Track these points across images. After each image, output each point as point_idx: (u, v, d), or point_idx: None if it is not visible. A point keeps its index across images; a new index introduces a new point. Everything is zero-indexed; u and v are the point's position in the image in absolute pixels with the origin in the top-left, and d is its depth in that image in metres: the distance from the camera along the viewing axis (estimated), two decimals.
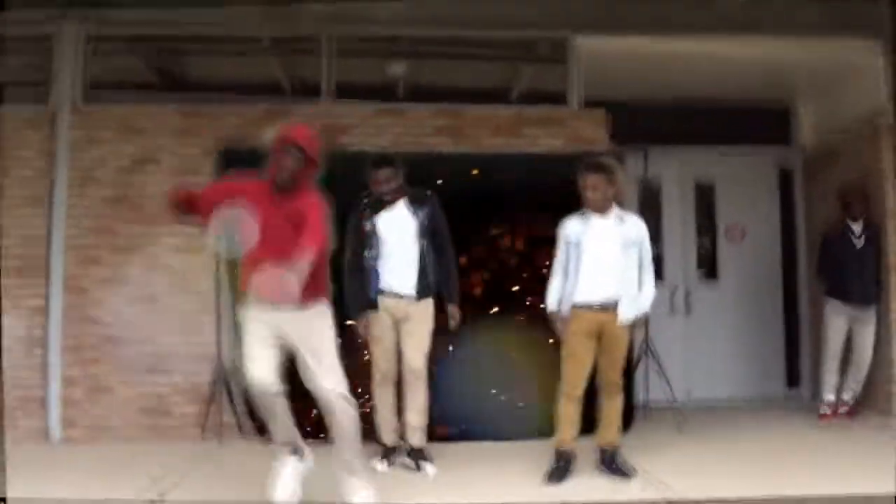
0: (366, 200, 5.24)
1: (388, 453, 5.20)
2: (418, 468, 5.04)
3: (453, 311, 5.22)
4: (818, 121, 7.74)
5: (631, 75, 6.91)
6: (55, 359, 6.02)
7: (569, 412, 4.74)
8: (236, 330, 4.90)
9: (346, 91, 6.50)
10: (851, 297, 6.46)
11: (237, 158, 5.94)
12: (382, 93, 6.85)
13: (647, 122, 7.20)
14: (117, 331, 6.08)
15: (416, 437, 5.14)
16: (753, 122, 7.74)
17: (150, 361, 6.07)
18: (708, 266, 7.91)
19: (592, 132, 6.43)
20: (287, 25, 6.50)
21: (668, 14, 6.35)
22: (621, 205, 4.91)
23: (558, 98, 6.64)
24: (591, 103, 6.56)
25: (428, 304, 5.15)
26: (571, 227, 4.83)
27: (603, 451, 4.89)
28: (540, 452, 4.99)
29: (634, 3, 6.41)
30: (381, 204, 5.18)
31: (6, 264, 5.82)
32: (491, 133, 6.43)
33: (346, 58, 6.55)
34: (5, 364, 5.47)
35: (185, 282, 6.13)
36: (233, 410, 5.92)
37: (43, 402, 5.98)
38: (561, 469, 4.73)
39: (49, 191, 6.11)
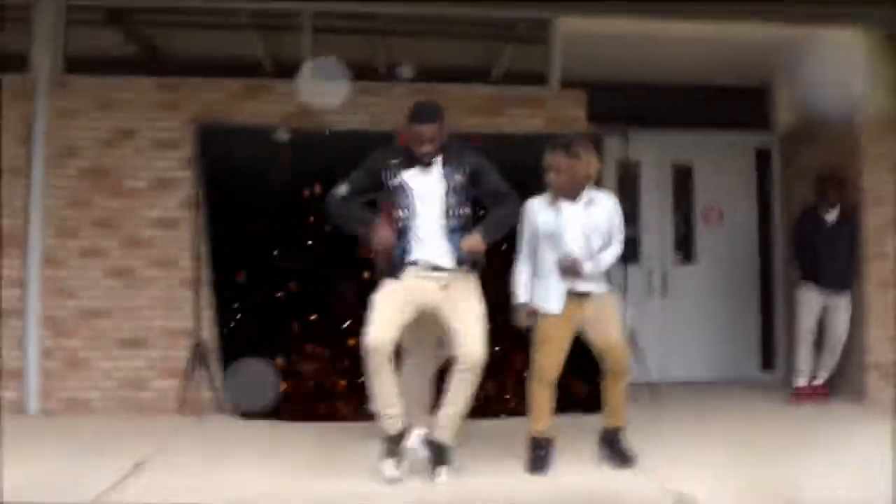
0: (394, 160, 4.31)
1: (396, 448, 4.28)
2: (433, 471, 4.28)
3: (473, 240, 4.21)
4: (796, 103, 7.77)
5: (610, 57, 6.96)
6: (33, 331, 6.01)
7: (544, 398, 4.49)
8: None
9: None
10: (825, 281, 6.52)
11: (215, 133, 6.01)
12: (362, 70, 6.83)
13: (626, 104, 7.25)
14: (95, 304, 6.08)
15: (444, 432, 4.30)
16: (731, 104, 7.80)
17: (128, 335, 6.09)
18: (685, 248, 7.97)
19: (572, 113, 6.45)
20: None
21: None
22: (598, 184, 4.68)
23: (538, 79, 6.66)
24: (570, 84, 6.57)
25: (473, 280, 4.35)
26: (542, 217, 4.50)
27: (606, 432, 4.66)
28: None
29: None
30: (411, 161, 4.28)
31: None
32: (471, 112, 6.39)
33: (325, 34, 6.55)
34: None
35: (164, 256, 6.14)
36: (211, 387, 5.95)
37: (20, 374, 5.98)
38: (542, 457, 4.50)
39: (27, 162, 6.07)
